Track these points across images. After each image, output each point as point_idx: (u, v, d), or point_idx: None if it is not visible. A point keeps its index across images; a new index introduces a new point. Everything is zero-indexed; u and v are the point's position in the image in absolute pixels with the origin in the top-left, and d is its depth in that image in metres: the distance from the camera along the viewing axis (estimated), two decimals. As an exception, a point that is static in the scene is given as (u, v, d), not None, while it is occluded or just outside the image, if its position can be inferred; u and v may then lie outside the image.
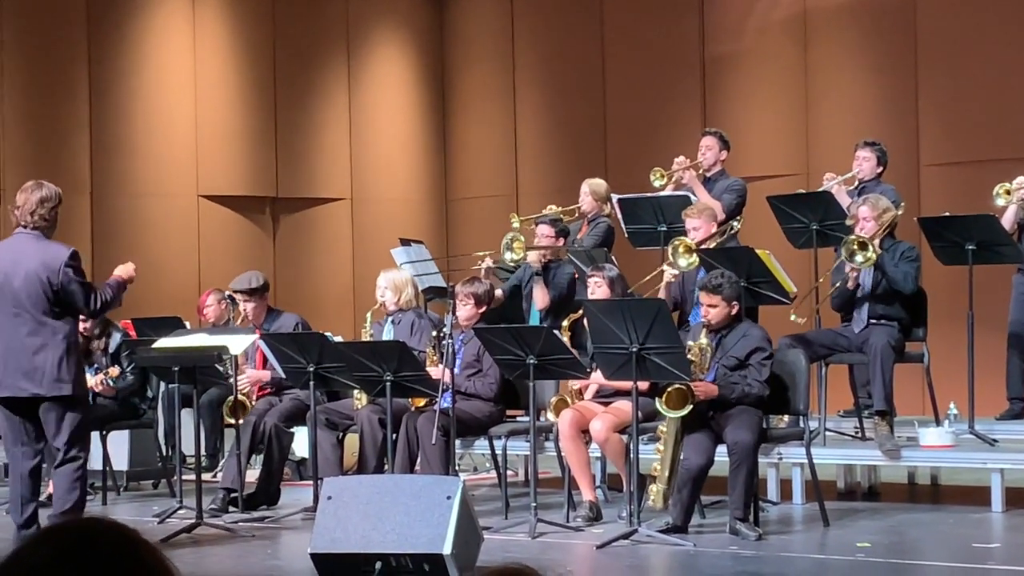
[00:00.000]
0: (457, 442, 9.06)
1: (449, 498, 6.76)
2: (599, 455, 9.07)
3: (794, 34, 14.45)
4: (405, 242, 11.76)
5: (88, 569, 1.94)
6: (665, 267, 9.35)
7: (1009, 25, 13.32)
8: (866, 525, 8.42)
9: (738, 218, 10.00)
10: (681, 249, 9.22)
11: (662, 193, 10.35)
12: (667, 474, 7.92)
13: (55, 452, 7.58)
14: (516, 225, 10.39)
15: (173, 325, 10.35)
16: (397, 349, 8.52)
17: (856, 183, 10.09)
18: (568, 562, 7.65)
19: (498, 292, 10.15)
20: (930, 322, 9.39)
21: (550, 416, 8.88)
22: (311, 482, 8.92)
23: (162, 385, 10.34)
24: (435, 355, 9.02)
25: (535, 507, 8.18)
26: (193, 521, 8.31)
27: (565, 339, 8.69)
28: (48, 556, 1.95)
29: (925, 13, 13.75)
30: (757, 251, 9.16)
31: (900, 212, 9.32)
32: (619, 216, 10.31)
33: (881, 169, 10.14)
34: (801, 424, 8.47)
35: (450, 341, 8.73)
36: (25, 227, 7.55)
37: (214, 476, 10.31)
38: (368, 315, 9.73)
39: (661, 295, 9.39)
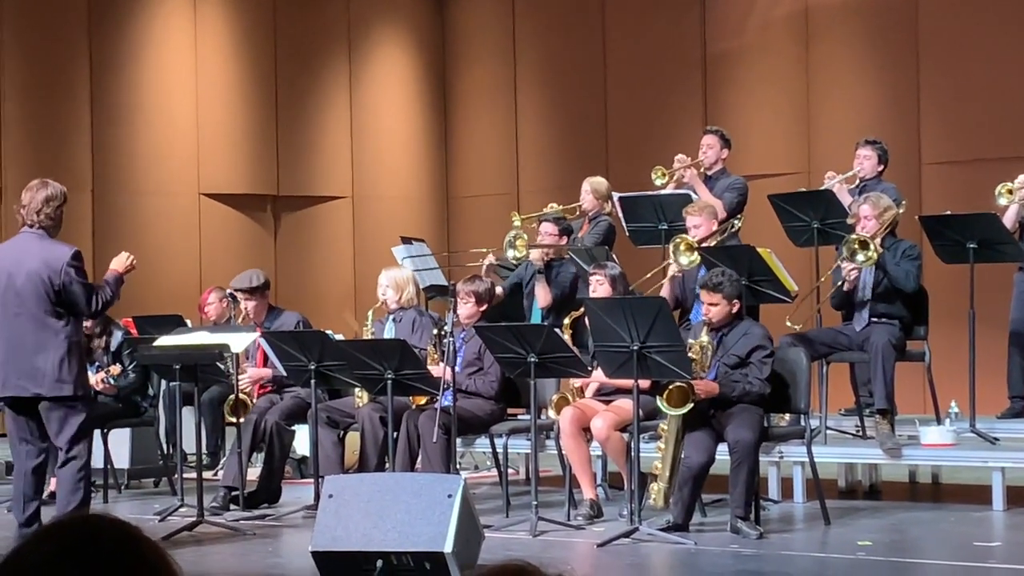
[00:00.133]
0: (458, 440, 9.06)
1: (450, 496, 6.76)
2: (600, 453, 9.07)
3: (795, 32, 14.45)
4: (406, 240, 11.76)
5: (90, 565, 1.94)
6: (671, 261, 9.35)
7: (1010, 24, 13.32)
8: (867, 524, 8.42)
9: (739, 216, 10.00)
10: (682, 247, 9.22)
11: (663, 191, 10.35)
12: (668, 473, 7.92)
13: (58, 451, 7.59)
14: (517, 223, 10.38)
15: (174, 323, 10.37)
16: (398, 347, 8.52)
17: (857, 182, 10.09)
18: (569, 560, 7.65)
19: (498, 289, 10.16)
20: (931, 321, 9.39)
21: (551, 414, 8.88)
22: (312, 480, 8.92)
23: (163, 383, 10.34)
24: (436, 353, 9.02)
25: (536, 505, 8.18)
26: (194, 519, 8.31)
27: (566, 337, 8.69)
28: (50, 552, 1.95)
29: (927, 11, 13.75)
30: (758, 249, 9.15)
31: (901, 211, 9.32)
32: (620, 214, 10.31)
33: (882, 168, 10.14)
34: (802, 422, 8.47)
35: (451, 339, 8.73)
36: (31, 226, 7.54)
37: (215, 474, 10.31)
38: (369, 313, 9.73)
39: (665, 290, 9.40)
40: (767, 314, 9.57)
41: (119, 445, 10.46)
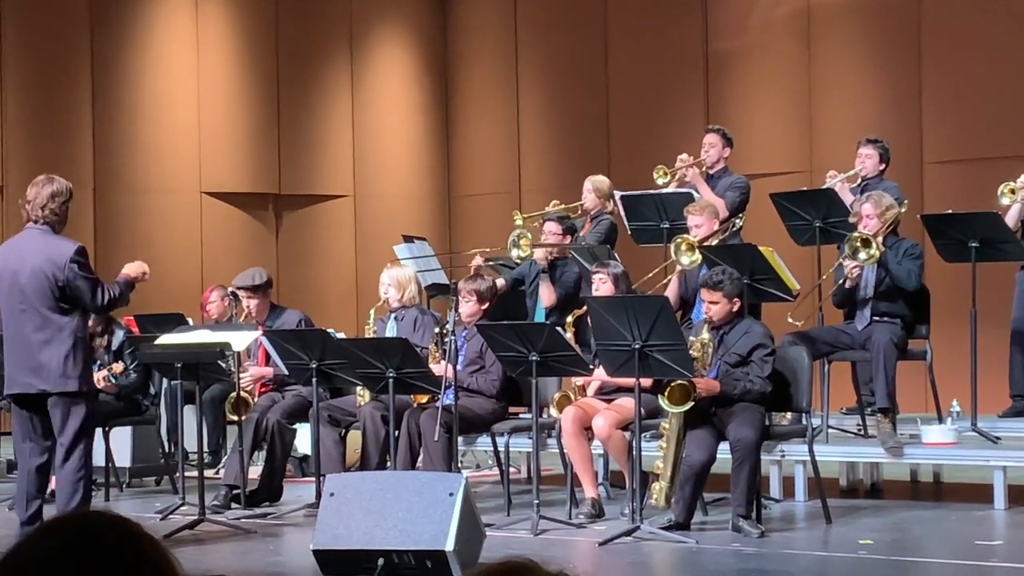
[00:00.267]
0: (460, 439, 9.06)
1: (451, 495, 6.76)
2: (601, 452, 9.07)
3: (797, 31, 14.45)
4: (408, 239, 11.76)
5: (91, 562, 1.94)
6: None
7: (1012, 23, 13.32)
8: (868, 522, 8.42)
9: (741, 215, 10.00)
10: (684, 246, 9.22)
11: (665, 190, 10.35)
12: (670, 472, 7.92)
13: (59, 449, 7.57)
14: (519, 222, 10.38)
15: (176, 321, 10.37)
16: (400, 346, 8.52)
17: (859, 180, 10.09)
18: (570, 559, 7.64)
19: (500, 281, 10.16)
20: (933, 319, 9.39)
21: (553, 413, 8.88)
22: (313, 478, 8.92)
23: (165, 382, 10.34)
24: (438, 352, 9.02)
25: (537, 504, 8.18)
26: (195, 518, 8.30)
27: (569, 336, 8.69)
28: (51, 549, 1.95)
29: (929, 10, 13.75)
30: (760, 248, 9.15)
31: (903, 209, 9.32)
32: (622, 213, 10.31)
33: (884, 166, 10.14)
34: (804, 421, 8.47)
35: (453, 338, 8.73)
36: (35, 222, 7.52)
37: (216, 472, 10.31)
38: (371, 312, 9.73)
39: (672, 285, 9.40)
40: (768, 313, 9.56)
41: (120, 443, 10.46)
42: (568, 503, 8.62)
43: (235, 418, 9.50)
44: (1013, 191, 9.49)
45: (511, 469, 9.54)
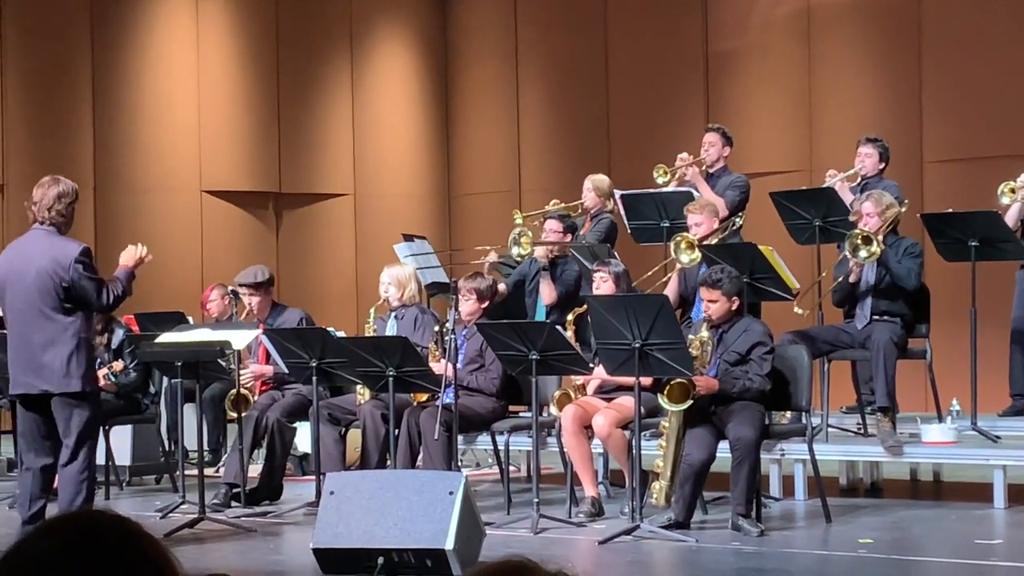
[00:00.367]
0: (459, 437, 9.07)
1: (451, 493, 6.76)
2: (601, 451, 9.07)
3: (797, 30, 14.45)
4: (408, 237, 11.76)
5: (91, 561, 1.94)
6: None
7: (1013, 22, 13.32)
8: (868, 521, 8.42)
9: (741, 214, 10.00)
10: (683, 245, 9.22)
11: (665, 189, 10.35)
12: (669, 471, 7.92)
13: (63, 449, 7.57)
14: (519, 221, 10.39)
15: (176, 320, 10.38)
16: (400, 344, 8.53)
17: (859, 179, 10.09)
18: (570, 558, 7.65)
19: (501, 286, 10.16)
20: (933, 318, 9.39)
21: (552, 411, 8.88)
22: (313, 477, 8.92)
23: (165, 380, 10.34)
24: (438, 350, 9.03)
25: (537, 503, 8.18)
26: (195, 516, 8.31)
27: (569, 334, 8.69)
28: (51, 548, 1.95)
29: (929, 9, 13.75)
30: (760, 247, 9.15)
31: (903, 208, 9.32)
32: (622, 212, 10.31)
33: (883, 165, 10.14)
34: (803, 420, 8.47)
35: (453, 336, 8.74)
36: (41, 223, 7.51)
37: (216, 471, 10.31)
38: (371, 311, 9.73)
39: (672, 283, 9.40)
40: (768, 312, 9.57)
41: (121, 442, 10.46)
42: (568, 502, 8.62)
43: (235, 416, 9.50)
44: (1013, 190, 9.49)
45: (511, 468, 9.54)
